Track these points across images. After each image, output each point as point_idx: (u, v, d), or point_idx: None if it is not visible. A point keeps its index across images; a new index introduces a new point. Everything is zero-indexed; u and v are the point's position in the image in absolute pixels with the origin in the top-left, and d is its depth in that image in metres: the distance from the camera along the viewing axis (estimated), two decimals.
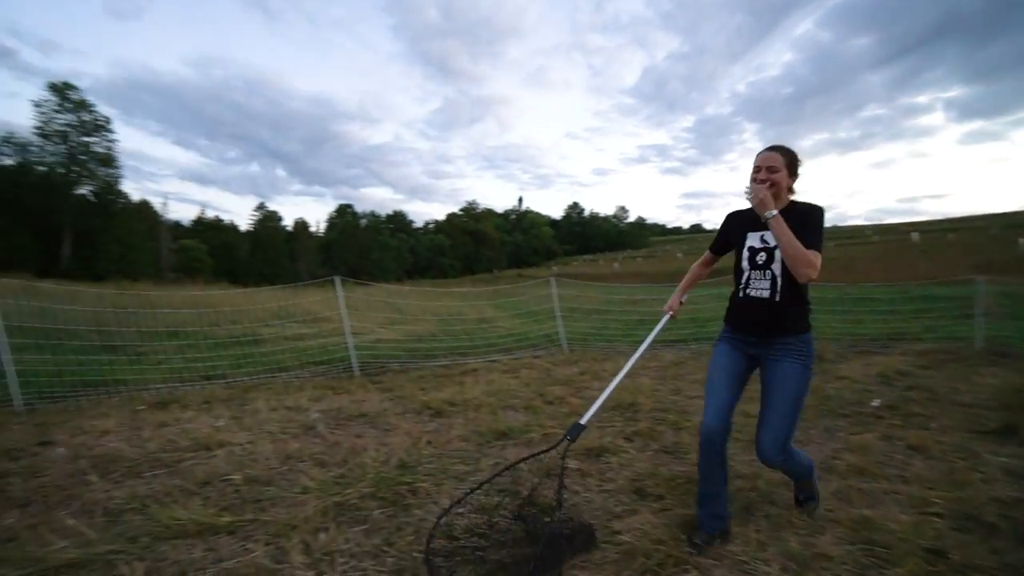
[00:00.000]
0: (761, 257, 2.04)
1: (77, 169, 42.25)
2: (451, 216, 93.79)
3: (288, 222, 71.97)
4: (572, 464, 2.92)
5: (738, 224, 2.16)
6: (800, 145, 2.07)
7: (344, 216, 77.54)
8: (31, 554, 2.02)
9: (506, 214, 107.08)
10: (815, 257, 1.85)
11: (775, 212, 1.90)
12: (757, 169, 2.00)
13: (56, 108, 41.40)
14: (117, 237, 43.30)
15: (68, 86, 42.06)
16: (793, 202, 2.04)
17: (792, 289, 1.98)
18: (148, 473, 2.87)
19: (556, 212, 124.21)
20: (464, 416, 3.89)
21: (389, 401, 4.44)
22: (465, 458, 3.05)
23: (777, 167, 1.98)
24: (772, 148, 2.02)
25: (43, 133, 41.10)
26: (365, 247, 72.33)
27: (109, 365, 5.38)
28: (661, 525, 2.18)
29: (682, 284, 2.48)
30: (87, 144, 42.70)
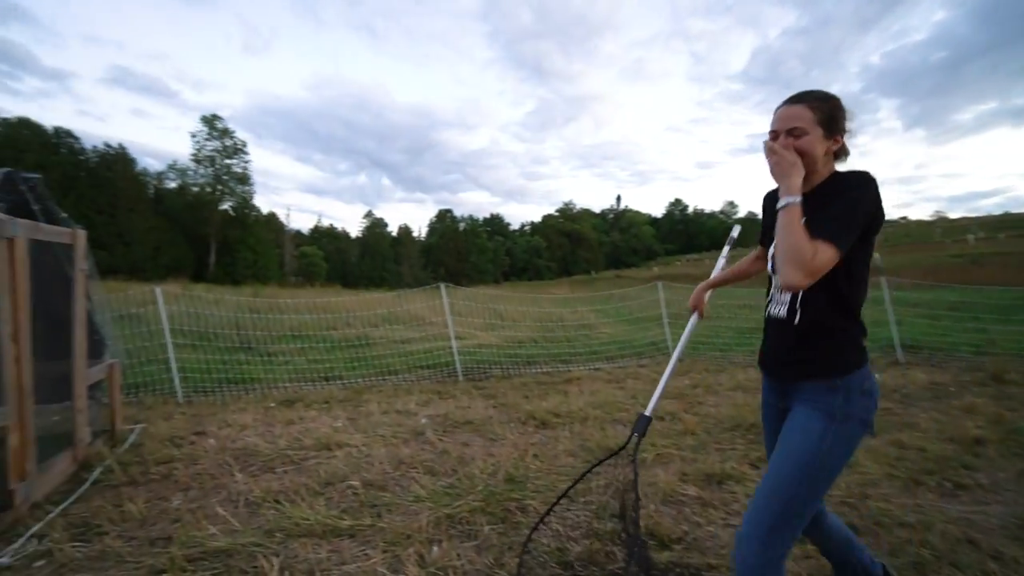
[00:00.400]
0: None
1: (220, 188, 49.25)
2: (547, 217, 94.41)
3: (393, 228, 77.57)
4: (691, 491, 2.70)
5: (772, 208, 1.53)
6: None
7: (444, 221, 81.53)
8: (192, 537, 2.29)
9: (603, 214, 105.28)
10: (814, 252, 1.20)
11: (794, 199, 1.25)
12: (773, 135, 1.37)
13: (207, 137, 48.71)
14: (251, 246, 49.77)
15: (215, 117, 49.29)
16: (836, 174, 1.38)
17: (820, 306, 1.35)
18: (280, 469, 3.17)
19: (656, 209, 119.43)
20: (570, 429, 3.80)
21: (493, 409, 4.49)
22: (574, 475, 2.96)
23: (803, 127, 1.32)
24: (795, 99, 1.37)
25: (196, 159, 48.63)
26: (464, 250, 75.44)
27: (246, 364, 6.11)
28: (802, 573, 1.91)
29: (712, 277, 1.96)
30: (228, 166, 49.67)
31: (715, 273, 1.99)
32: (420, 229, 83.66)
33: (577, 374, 6.08)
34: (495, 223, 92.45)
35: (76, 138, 42.55)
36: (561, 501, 2.12)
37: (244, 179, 50.42)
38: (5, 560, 2.16)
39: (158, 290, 5.27)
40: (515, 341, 7.61)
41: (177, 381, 5.10)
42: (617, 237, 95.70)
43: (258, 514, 2.56)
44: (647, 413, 1.95)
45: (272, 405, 4.78)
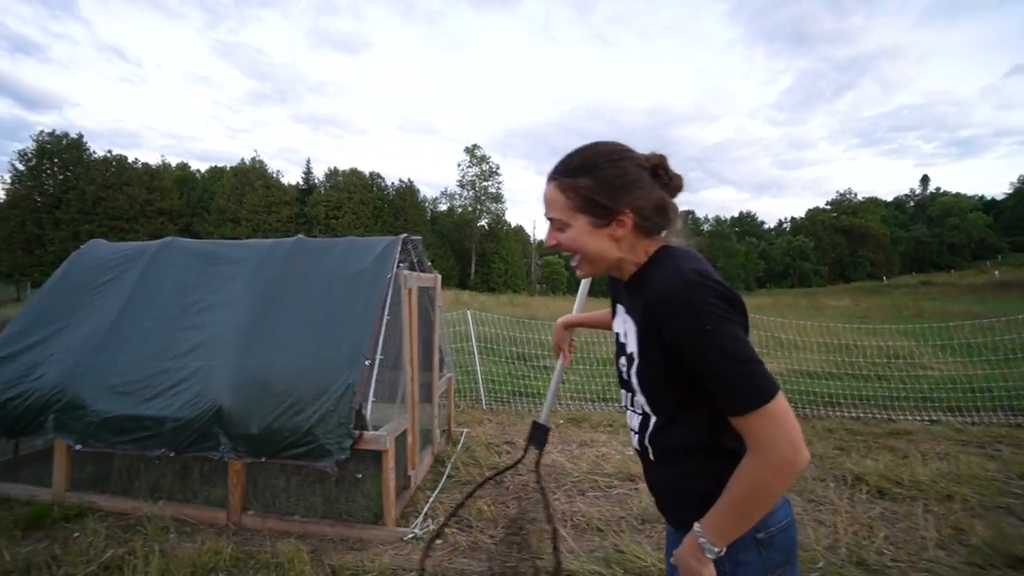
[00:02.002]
0: (622, 364, 1.11)
1: (479, 207, 57.82)
2: (814, 212, 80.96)
3: None
4: None
5: (613, 289, 1.24)
6: None
7: (685, 223, 77.94)
8: (536, 552, 2.73)
9: (898, 202, 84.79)
10: (763, 435, 0.86)
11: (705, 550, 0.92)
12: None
13: (468, 164, 58.00)
14: (503, 257, 57.03)
15: (475, 147, 58.28)
16: (647, 267, 1.04)
17: (675, 433, 1.01)
18: (590, 493, 3.50)
19: (993, 189, 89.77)
20: (925, 507, 3.14)
21: None
22: None
23: (562, 219, 1.04)
24: (550, 174, 1.06)
25: (460, 183, 58.28)
26: (711, 254, 70.73)
27: (528, 378, 6.98)
28: None
29: (576, 313, 1.60)
30: (485, 187, 57.97)
31: (577, 313, 1.62)
32: None
33: (905, 426, 4.99)
34: (746, 222, 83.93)
35: (382, 177, 56.23)
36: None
37: (497, 198, 58.31)
38: (416, 531, 2.95)
39: (468, 313, 6.46)
40: (803, 372, 6.72)
41: (483, 390, 6.17)
42: (922, 231, 75.41)
43: (585, 538, 2.88)
44: (541, 420, 1.60)
45: (561, 422, 5.33)
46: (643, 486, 3.57)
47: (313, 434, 2.71)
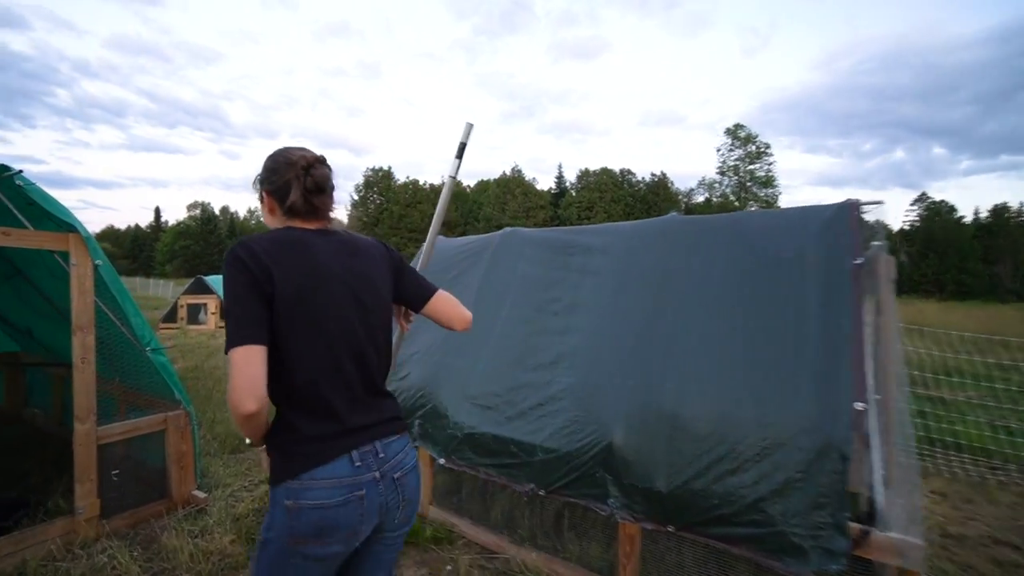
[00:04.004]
0: None
1: (743, 194, 51.94)
2: None
3: (963, 212, 57.27)
4: None
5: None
6: None
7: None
8: None
9: None
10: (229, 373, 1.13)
11: None
12: None
13: (730, 147, 52.73)
14: None
15: (738, 127, 52.58)
16: None
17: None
18: None
19: None
20: None
21: None
22: None
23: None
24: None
25: (721, 171, 53.36)
26: None
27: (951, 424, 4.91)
28: None
29: None
30: (751, 171, 51.79)
31: None
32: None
33: None
34: None
35: (633, 173, 55.63)
36: None
37: (768, 181, 51.26)
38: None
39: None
40: None
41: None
42: None
43: None
44: None
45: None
46: None
47: (764, 512, 1.76)
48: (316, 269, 1.20)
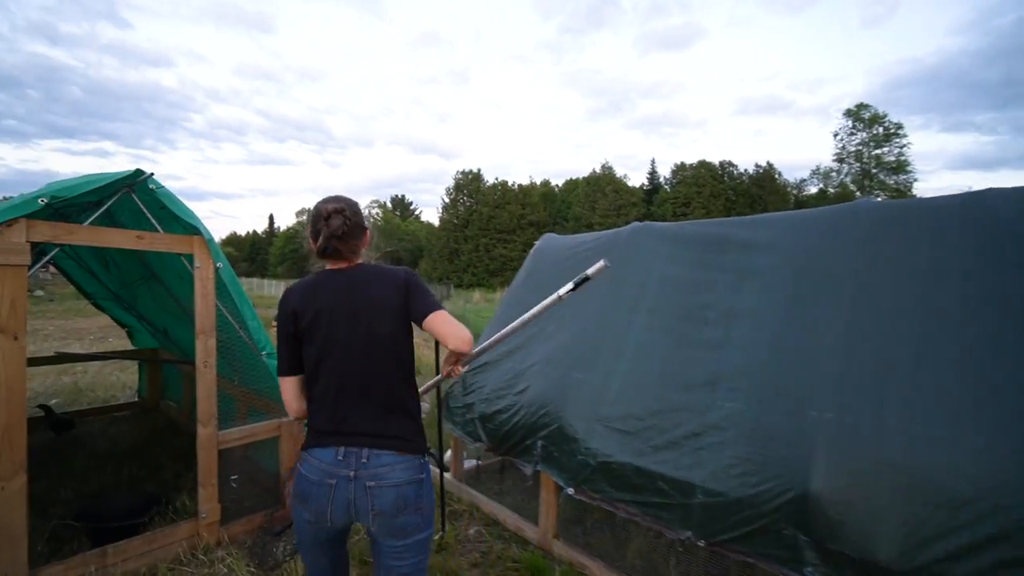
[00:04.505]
0: None
1: (867, 182, 46.61)
2: None
3: None
4: None
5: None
6: None
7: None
8: None
9: None
10: None
11: None
12: None
13: (850, 131, 47.59)
14: None
15: (861, 107, 47.28)
16: None
17: None
18: None
19: None
20: None
21: None
22: None
23: None
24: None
25: (839, 158, 48.32)
26: None
27: None
28: None
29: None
30: (877, 156, 46.35)
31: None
32: None
33: None
34: None
35: (734, 165, 52.08)
36: None
37: (900, 167, 45.57)
38: None
39: None
40: None
41: None
42: None
43: None
44: None
45: None
46: None
47: None
48: (320, 306, 1.49)
